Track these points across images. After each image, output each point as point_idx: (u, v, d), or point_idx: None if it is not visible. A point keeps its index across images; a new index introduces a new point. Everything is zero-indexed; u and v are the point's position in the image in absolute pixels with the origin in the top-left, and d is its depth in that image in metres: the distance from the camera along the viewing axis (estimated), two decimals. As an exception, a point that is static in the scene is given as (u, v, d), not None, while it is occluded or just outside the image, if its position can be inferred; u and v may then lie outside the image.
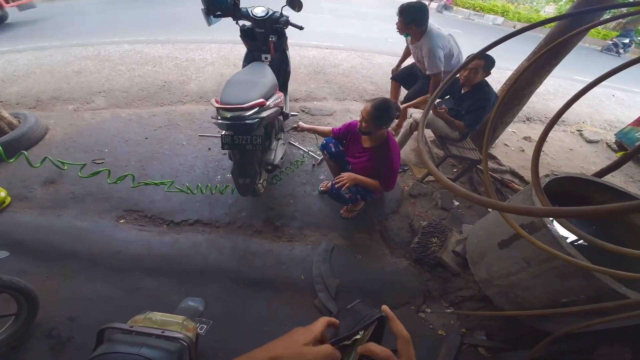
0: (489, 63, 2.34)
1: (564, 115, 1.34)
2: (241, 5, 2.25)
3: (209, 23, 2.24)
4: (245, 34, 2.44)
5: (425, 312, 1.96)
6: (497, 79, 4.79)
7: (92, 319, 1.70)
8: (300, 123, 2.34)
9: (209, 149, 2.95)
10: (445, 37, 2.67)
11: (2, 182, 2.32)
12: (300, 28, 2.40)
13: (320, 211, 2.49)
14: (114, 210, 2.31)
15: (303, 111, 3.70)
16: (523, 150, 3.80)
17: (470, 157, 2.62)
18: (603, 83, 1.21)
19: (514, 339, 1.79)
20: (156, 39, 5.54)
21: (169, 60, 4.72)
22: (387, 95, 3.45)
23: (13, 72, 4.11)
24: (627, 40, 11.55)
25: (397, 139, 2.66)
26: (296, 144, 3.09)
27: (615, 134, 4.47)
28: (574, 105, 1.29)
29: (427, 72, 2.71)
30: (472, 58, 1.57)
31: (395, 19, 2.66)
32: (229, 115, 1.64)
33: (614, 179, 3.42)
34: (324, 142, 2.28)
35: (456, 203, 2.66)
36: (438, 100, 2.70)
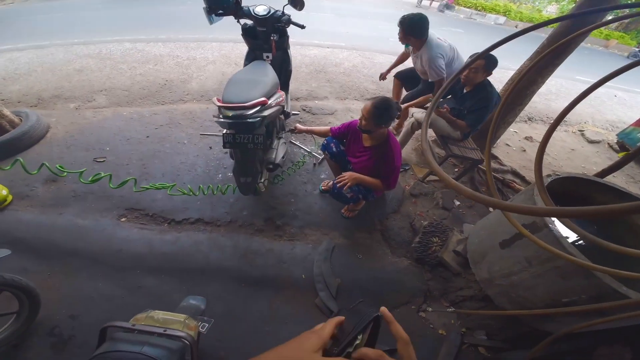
0: (490, 63, 2.33)
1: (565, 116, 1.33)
2: (243, 4, 2.25)
3: (211, 22, 2.24)
4: (247, 32, 2.44)
5: (427, 311, 1.96)
6: (499, 78, 4.77)
7: (93, 317, 1.71)
8: (298, 125, 2.34)
9: (210, 147, 2.95)
10: (446, 47, 2.68)
11: (4, 180, 2.32)
12: (302, 27, 2.40)
13: (321, 210, 2.49)
14: (115, 208, 2.32)
15: (304, 110, 3.70)
16: (524, 150, 3.79)
17: (472, 156, 2.62)
18: (606, 83, 1.21)
19: (514, 339, 1.79)
20: (157, 38, 5.54)
21: (170, 59, 4.72)
22: (389, 95, 3.45)
23: (14, 71, 4.11)
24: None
25: (398, 138, 2.66)
26: (297, 143, 3.09)
27: (617, 135, 4.47)
28: (576, 105, 1.29)
29: (430, 80, 2.72)
30: (476, 58, 1.57)
31: (397, 18, 2.66)
32: (230, 114, 1.64)
33: (616, 180, 3.42)
34: (325, 142, 2.28)
35: (457, 203, 2.66)
36: (440, 100, 2.70)
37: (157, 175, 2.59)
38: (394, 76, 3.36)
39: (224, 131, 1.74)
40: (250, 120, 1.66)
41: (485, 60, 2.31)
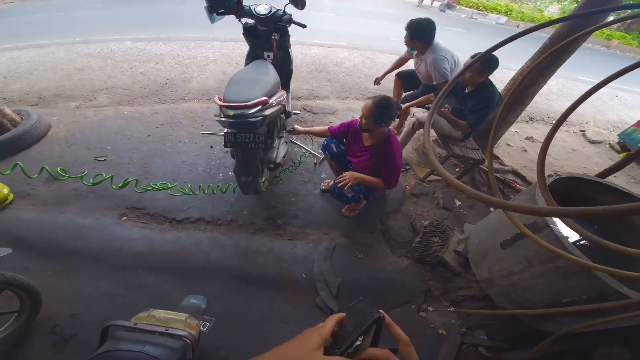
0: (490, 63, 2.30)
1: (568, 116, 1.33)
2: (244, 3, 2.25)
3: (212, 21, 2.24)
4: (248, 31, 2.43)
5: (427, 310, 1.97)
6: (500, 78, 4.77)
7: (94, 316, 1.71)
8: (296, 126, 2.34)
9: (211, 146, 2.96)
10: (450, 52, 2.68)
11: (5, 179, 2.32)
12: (303, 26, 2.40)
13: (321, 210, 2.49)
14: (116, 207, 2.32)
15: (305, 109, 3.70)
16: (525, 151, 3.79)
17: (473, 156, 2.62)
18: (607, 84, 1.21)
19: (514, 339, 1.79)
20: (158, 37, 5.54)
21: (171, 58, 4.72)
22: (389, 94, 3.45)
23: (16, 69, 4.12)
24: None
25: (399, 138, 2.66)
26: (298, 143, 3.09)
27: (618, 135, 4.46)
28: (579, 106, 1.29)
29: (435, 82, 2.72)
30: (478, 58, 1.57)
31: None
32: (232, 113, 1.64)
33: (617, 180, 3.41)
34: (325, 142, 2.28)
35: (458, 203, 2.66)
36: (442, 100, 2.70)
37: (158, 174, 2.59)
38: (395, 75, 3.36)
39: (225, 130, 1.74)
40: (251, 119, 1.66)
41: (482, 62, 2.29)
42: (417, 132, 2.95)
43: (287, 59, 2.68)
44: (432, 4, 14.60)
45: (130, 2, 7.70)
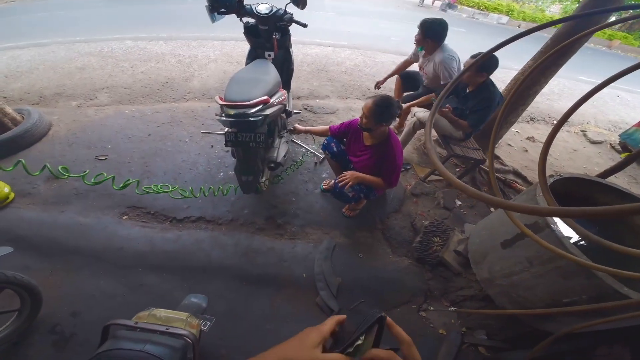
0: (485, 64, 2.27)
1: (570, 116, 1.33)
2: (245, 2, 2.25)
3: (213, 20, 2.23)
4: (249, 31, 2.43)
5: (427, 310, 1.97)
6: (501, 78, 4.77)
7: (95, 315, 1.71)
8: (297, 125, 2.33)
9: (212, 146, 2.96)
10: (456, 53, 2.69)
11: (6, 178, 2.32)
12: (304, 25, 2.40)
13: (322, 209, 2.49)
14: (117, 206, 2.32)
15: (306, 109, 3.70)
16: (526, 151, 3.79)
17: (474, 156, 2.62)
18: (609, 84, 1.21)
19: (514, 339, 1.79)
20: (159, 36, 5.54)
21: (172, 57, 4.72)
22: (391, 94, 3.45)
23: (16, 68, 4.12)
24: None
25: (399, 137, 2.65)
26: (298, 142, 3.09)
27: (619, 135, 4.45)
28: (580, 106, 1.29)
29: (442, 82, 2.73)
30: (479, 58, 1.56)
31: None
32: (233, 112, 1.64)
33: (618, 180, 3.41)
34: (325, 142, 2.28)
35: (458, 202, 2.66)
36: (443, 100, 2.70)
37: (158, 173, 2.60)
38: (398, 74, 3.35)
39: (226, 129, 1.74)
40: (252, 118, 1.66)
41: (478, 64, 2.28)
42: (418, 132, 2.95)
43: (288, 58, 2.68)
44: (433, 3, 14.59)
45: (131, 1, 7.70)
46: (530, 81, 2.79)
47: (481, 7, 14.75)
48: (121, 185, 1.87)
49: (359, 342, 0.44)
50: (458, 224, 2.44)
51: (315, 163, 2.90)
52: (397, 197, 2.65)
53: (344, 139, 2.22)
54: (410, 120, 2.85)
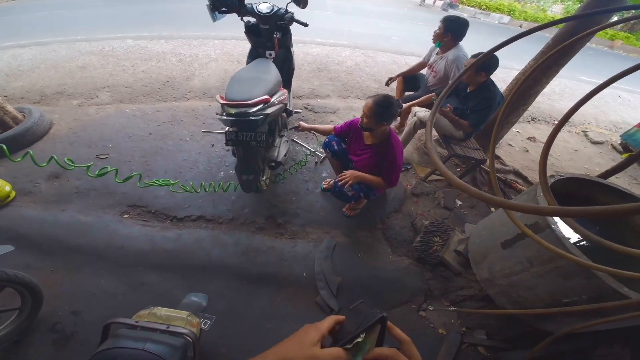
0: (483, 64, 2.26)
1: (571, 116, 1.33)
2: (246, 2, 2.25)
3: (214, 19, 2.23)
4: (249, 30, 2.43)
5: (427, 310, 1.97)
6: (503, 78, 4.76)
7: (95, 313, 1.72)
8: (301, 123, 2.33)
9: (212, 145, 2.96)
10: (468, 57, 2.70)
11: (7, 177, 2.33)
12: (305, 25, 2.39)
13: (322, 209, 2.49)
14: (118, 205, 2.33)
15: (306, 108, 3.70)
16: (527, 151, 3.78)
17: (475, 156, 2.62)
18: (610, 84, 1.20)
19: (514, 339, 1.79)
20: (160, 35, 5.55)
21: (173, 56, 4.72)
22: (392, 93, 3.44)
23: (18, 67, 4.12)
24: None
25: (400, 137, 2.66)
26: (299, 141, 3.09)
27: (620, 136, 4.44)
28: (581, 106, 1.28)
29: (451, 81, 2.73)
30: (480, 58, 1.56)
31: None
32: (233, 111, 1.64)
33: (619, 181, 3.40)
34: (327, 140, 2.28)
35: (459, 202, 2.66)
36: (444, 99, 2.71)
37: (159, 172, 2.60)
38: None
39: (227, 129, 1.74)
40: (253, 117, 1.66)
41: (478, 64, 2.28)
42: (419, 131, 2.95)
43: (288, 57, 2.68)
44: (434, 3, 14.57)
45: (132, 0, 7.70)
46: (532, 81, 2.79)
47: (483, 7, 14.73)
48: (124, 179, 1.88)
49: (359, 339, 0.44)
50: (458, 223, 2.44)
51: (316, 162, 2.90)
52: (397, 197, 2.65)
53: (346, 138, 2.23)
54: (411, 120, 2.84)
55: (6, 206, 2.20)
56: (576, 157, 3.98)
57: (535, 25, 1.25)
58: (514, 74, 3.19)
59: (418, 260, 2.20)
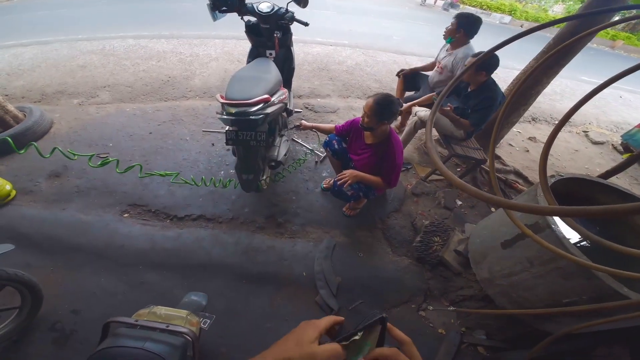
0: (483, 64, 2.26)
1: (571, 116, 1.32)
2: (247, 1, 2.25)
3: (214, 18, 2.23)
4: (250, 29, 2.43)
5: (427, 310, 1.97)
6: (504, 78, 4.75)
7: (95, 312, 1.72)
8: (303, 121, 2.33)
9: (213, 144, 2.96)
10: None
11: (8, 176, 2.33)
12: (306, 24, 2.39)
13: (322, 208, 2.49)
14: (118, 204, 2.33)
15: (307, 108, 3.70)
16: (528, 151, 3.77)
17: (475, 156, 2.61)
18: (611, 84, 1.20)
19: (513, 339, 1.79)
20: (160, 34, 5.55)
21: (173, 55, 4.72)
22: (392, 93, 3.44)
23: (18, 66, 4.13)
24: None
25: (400, 137, 2.65)
26: (299, 141, 3.09)
27: (621, 136, 4.43)
28: (582, 106, 1.28)
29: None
30: (480, 57, 1.56)
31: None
32: (233, 110, 1.64)
33: (619, 181, 3.40)
34: (327, 139, 2.27)
35: (459, 202, 2.65)
36: (444, 99, 2.71)
37: (159, 171, 2.60)
38: (401, 73, 3.34)
39: (227, 128, 1.74)
40: (253, 117, 1.66)
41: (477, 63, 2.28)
42: (419, 131, 2.95)
43: (289, 57, 2.68)
44: (435, 2, 14.54)
45: (133, -1, 7.70)
46: (532, 81, 2.78)
47: (484, 7, 14.71)
48: (124, 169, 1.89)
49: (356, 337, 0.44)
50: (458, 223, 2.44)
51: (316, 162, 2.90)
52: (397, 197, 2.64)
53: (347, 138, 2.23)
54: (411, 120, 2.84)
55: (6, 205, 2.21)
56: (577, 157, 3.97)
57: (536, 25, 1.25)
58: (515, 73, 3.19)
59: (418, 260, 2.20)
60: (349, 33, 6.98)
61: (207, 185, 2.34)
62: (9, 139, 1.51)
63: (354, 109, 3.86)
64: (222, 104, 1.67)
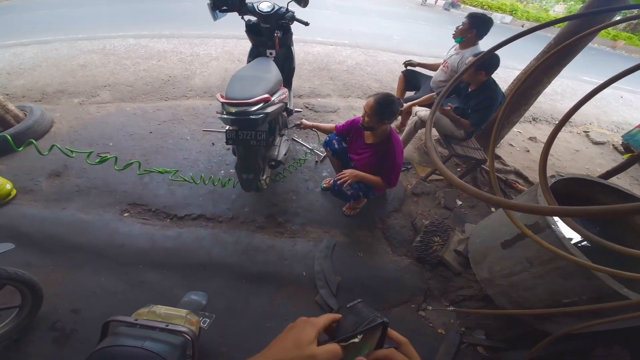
0: (483, 63, 2.25)
1: (572, 116, 1.32)
2: (247, 0, 2.25)
3: (215, 18, 2.23)
4: (250, 29, 2.43)
5: (427, 309, 1.97)
6: (504, 78, 4.75)
7: (95, 311, 1.72)
8: (304, 121, 2.33)
9: (213, 144, 2.96)
10: None
11: (8, 175, 2.34)
12: (306, 24, 2.39)
13: (322, 208, 2.49)
14: (118, 203, 2.33)
15: (307, 108, 3.70)
16: (528, 151, 3.77)
17: (475, 156, 2.61)
18: (612, 84, 1.20)
19: (513, 339, 1.79)
20: (161, 34, 5.55)
21: (174, 55, 4.72)
22: (393, 93, 3.43)
23: (19, 65, 4.13)
24: None
25: (401, 137, 2.65)
26: (299, 141, 3.09)
27: (622, 136, 4.43)
28: (582, 106, 1.28)
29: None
30: (480, 57, 1.56)
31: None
32: (234, 110, 1.64)
33: (620, 181, 3.40)
34: (327, 138, 2.27)
35: (459, 202, 2.65)
36: (445, 98, 2.70)
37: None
38: (402, 72, 3.33)
39: (227, 127, 1.74)
40: (253, 116, 1.66)
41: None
42: (420, 131, 2.94)
43: (289, 56, 2.68)
44: (436, 2, 14.51)
45: (133, -2, 7.70)
46: (533, 81, 2.78)
47: (485, 7, 14.68)
48: (123, 166, 1.89)
49: (355, 340, 0.44)
50: (458, 223, 2.44)
51: (316, 162, 2.90)
52: (397, 197, 2.64)
53: (347, 137, 2.22)
54: (411, 120, 2.84)
55: (7, 204, 2.21)
56: (577, 158, 3.97)
57: (537, 25, 1.24)
58: (516, 73, 3.18)
59: (418, 260, 2.20)
60: (349, 33, 6.97)
61: (206, 183, 2.34)
62: (8, 137, 1.51)
63: (355, 108, 3.86)
64: (223, 103, 1.67)
